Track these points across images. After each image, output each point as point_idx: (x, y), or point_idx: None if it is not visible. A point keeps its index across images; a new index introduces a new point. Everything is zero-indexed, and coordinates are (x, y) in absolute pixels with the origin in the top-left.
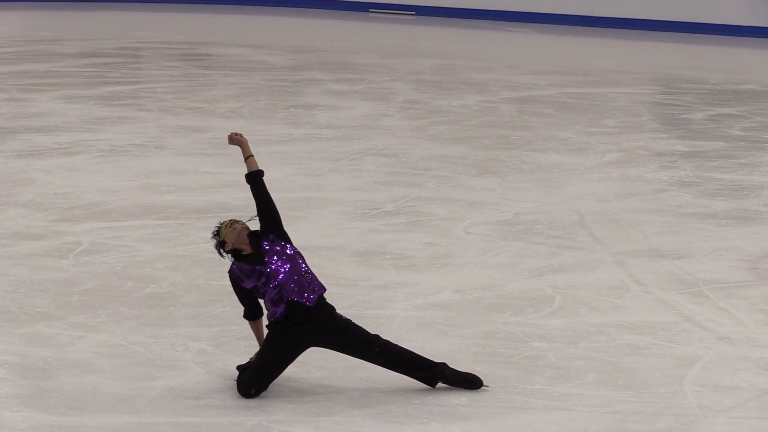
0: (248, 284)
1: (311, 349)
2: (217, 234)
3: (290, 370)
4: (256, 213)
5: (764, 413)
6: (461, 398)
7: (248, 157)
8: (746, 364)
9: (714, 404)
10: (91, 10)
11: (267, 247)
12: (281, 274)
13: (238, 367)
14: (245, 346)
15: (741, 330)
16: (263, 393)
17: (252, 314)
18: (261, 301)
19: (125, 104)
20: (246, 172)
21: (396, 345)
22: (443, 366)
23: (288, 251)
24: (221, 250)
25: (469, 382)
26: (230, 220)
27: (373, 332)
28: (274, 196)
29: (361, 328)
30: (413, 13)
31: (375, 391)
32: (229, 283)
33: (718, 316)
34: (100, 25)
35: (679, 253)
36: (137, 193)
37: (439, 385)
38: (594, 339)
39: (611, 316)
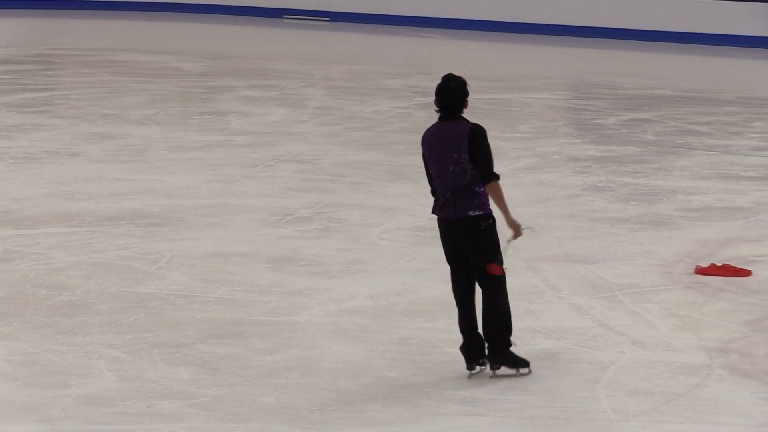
0: None
1: (228, 356)
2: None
3: (205, 378)
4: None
5: (677, 417)
6: (375, 404)
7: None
8: (660, 369)
9: (627, 408)
10: (5, 17)
11: None
12: None
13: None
14: (159, 353)
15: (654, 334)
16: (177, 402)
17: None
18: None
19: (38, 111)
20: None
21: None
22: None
23: None
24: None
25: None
26: None
27: (288, 339)
28: (187, 203)
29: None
30: (327, 19)
31: (289, 398)
32: (143, 291)
33: (632, 320)
34: (13, 32)
35: (592, 257)
36: (50, 201)
37: (352, 390)
38: None
39: (525, 321)
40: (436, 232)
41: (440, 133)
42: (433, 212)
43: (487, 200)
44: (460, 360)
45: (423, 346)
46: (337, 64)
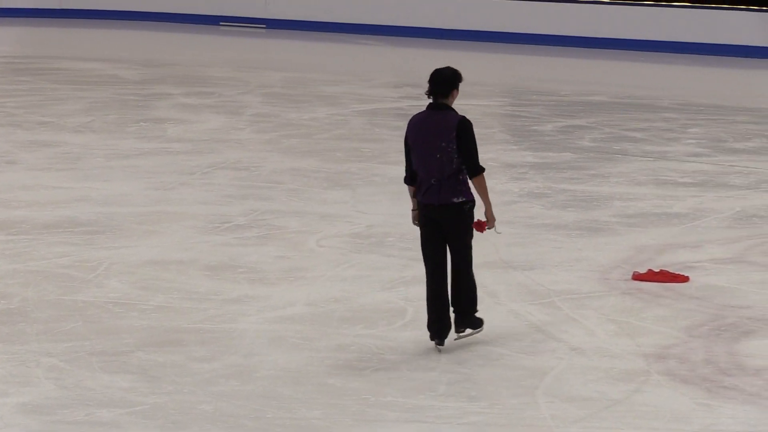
0: None
1: (166, 364)
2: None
3: (144, 386)
4: None
5: (615, 423)
6: (315, 411)
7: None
8: (598, 375)
9: (566, 415)
10: None
11: None
12: None
13: None
14: (97, 361)
15: (592, 340)
16: (116, 410)
17: None
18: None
19: None
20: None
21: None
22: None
23: None
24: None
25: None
26: None
27: (226, 346)
28: (124, 210)
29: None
30: (264, 26)
31: (228, 405)
32: (81, 299)
33: (570, 326)
34: None
35: (530, 264)
36: None
37: (291, 397)
38: (447, 350)
39: None
40: (374, 239)
41: (429, 121)
42: (414, 197)
43: (469, 188)
44: (400, 366)
45: (362, 353)
46: (274, 72)
